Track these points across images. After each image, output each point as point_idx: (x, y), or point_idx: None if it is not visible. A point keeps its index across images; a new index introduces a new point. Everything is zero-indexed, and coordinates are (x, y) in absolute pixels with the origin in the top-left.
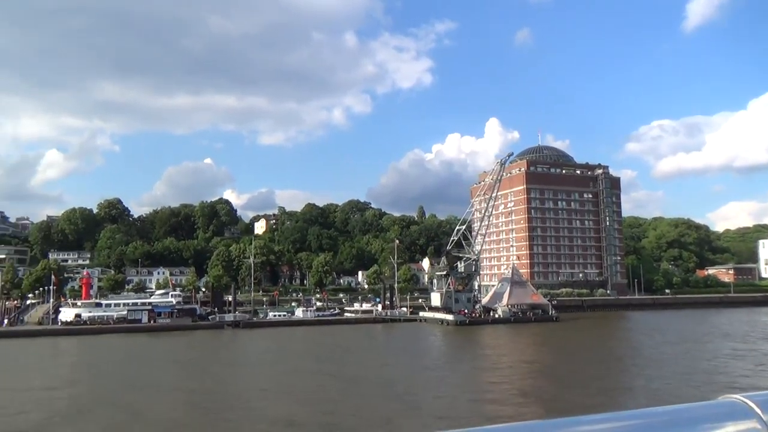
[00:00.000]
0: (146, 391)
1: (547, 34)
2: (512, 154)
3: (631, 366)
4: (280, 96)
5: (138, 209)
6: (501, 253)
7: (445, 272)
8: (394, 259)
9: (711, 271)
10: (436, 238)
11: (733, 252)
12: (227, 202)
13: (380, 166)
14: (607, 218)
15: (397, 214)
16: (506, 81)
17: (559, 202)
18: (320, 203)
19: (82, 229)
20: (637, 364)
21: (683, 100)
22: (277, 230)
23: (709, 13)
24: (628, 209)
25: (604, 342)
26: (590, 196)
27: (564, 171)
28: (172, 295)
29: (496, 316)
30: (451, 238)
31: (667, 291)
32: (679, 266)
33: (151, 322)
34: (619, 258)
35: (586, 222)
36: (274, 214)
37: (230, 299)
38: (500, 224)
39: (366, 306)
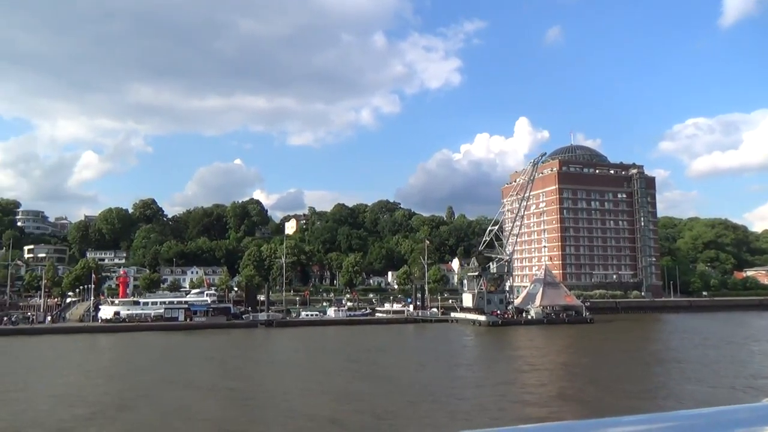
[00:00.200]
0: (187, 388)
1: (578, 31)
2: (545, 153)
3: (671, 368)
4: (309, 97)
5: (170, 209)
6: (532, 254)
7: (477, 273)
8: (424, 259)
9: (750, 272)
10: (466, 239)
11: None
12: (258, 203)
13: (408, 167)
14: (642, 219)
15: (426, 215)
16: (536, 80)
17: (593, 202)
18: (348, 203)
19: (118, 229)
20: (677, 367)
21: (719, 98)
22: (308, 230)
23: (747, 9)
24: (661, 209)
25: (642, 344)
26: (624, 196)
27: (597, 171)
28: (207, 294)
29: (529, 317)
30: (483, 239)
31: (704, 293)
32: (716, 268)
33: (188, 320)
34: (654, 259)
35: (620, 222)
36: (304, 215)
37: (263, 299)
38: (531, 224)
39: (397, 306)
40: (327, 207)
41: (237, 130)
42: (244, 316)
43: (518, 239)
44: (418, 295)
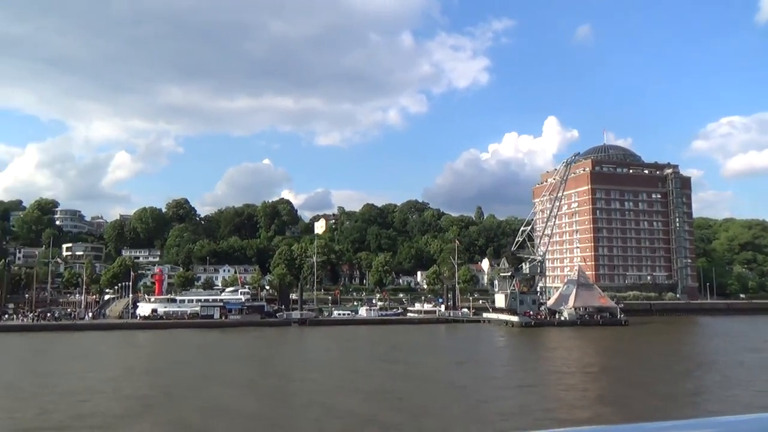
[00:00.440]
0: (227, 384)
1: (609, 29)
2: (578, 153)
3: (713, 371)
4: (336, 97)
5: (200, 208)
6: (564, 255)
7: (509, 273)
8: (454, 259)
9: None
10: (495, 239)
11: None
12: (288, 202)
13: (435, 166)
14: (677, 219)
15: (455, 215)
16: (566, 78)
17: (626, 203)
18: (375, 203)
19: (152, 228)
20: (719, 370)
21: (755, 96)
22: (337, 230)
23: None
24: (695, 209)
25: (681, 347)
26: (659, 196)
27: (631, 171)
28: (241, 293)
29: (562, 318)
30: (516, 239)
31: (741, 296)
32: (753, 270)
33: (223, 318)
34: (689, 261)
35: (654, 223)
36: (333, 214)
37: (295, 297)
38: (563, 225)
39: (428, 306)
40: (354, 206)
41: (265, 131)
42: (277, 315)
43: (550, 239)
44: (450, 295)
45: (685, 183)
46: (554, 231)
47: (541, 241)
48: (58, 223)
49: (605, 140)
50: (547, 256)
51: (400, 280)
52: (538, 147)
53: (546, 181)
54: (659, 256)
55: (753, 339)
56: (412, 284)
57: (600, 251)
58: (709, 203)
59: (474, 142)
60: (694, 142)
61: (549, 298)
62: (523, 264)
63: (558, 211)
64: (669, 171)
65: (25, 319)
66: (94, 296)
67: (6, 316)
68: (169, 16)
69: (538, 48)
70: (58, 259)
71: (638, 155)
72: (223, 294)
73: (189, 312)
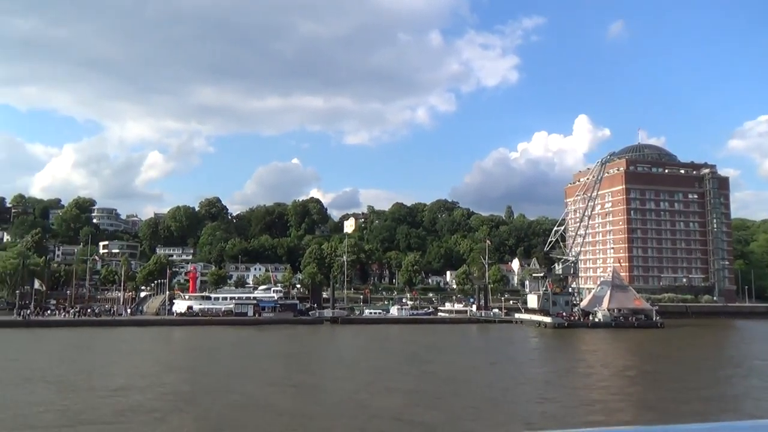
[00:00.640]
0: (262, 380)
1: (642, 26)
2: (614, 152)
3: (755, 375)
4: (365, 96)
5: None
6: (597, 255)
7: (542, 274)
8: (484, 259)
9: None
10: (526, 239)
11: None
12: (318, 201)
13: (464, 165)
14: (715, 220)
15: (485, 214)
16: (597, 76)
17: (662, 203)
18: (403, 202)
19: (186, 226)
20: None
21: None
22: (366, 229)
23: None
24: (732, 210)
25: (720, 350)
26: (695, 196)
27: (666, 170)
28: (274, 291)
29: (596, 320)
30: (549, 239)
31: None
32: None
33: (256, 315)
34: (727, 263)
35: (691, 224)
36: (362, 213)
37: (326, 296)
38: (596, 225)
39: (459, 306)
40: (382, 205)
41: (295, 130)
42: (310, 313)
43: (584, 240)
44: (481, 295)
45: (722, 183)
46: (587, 231)
47: (575, 242)
48: (95, 221)
49: (639, 139)
50: (580, 257)
51: (429, 280)
52: (569, 146)
53: (579, 181)
54: (695, 257)
55: None
56: (441, 284)
57: (634, 252)
58: (745, 203)
59: (503, 141)
60: (730, 141)
61: (582, 300)
62: (556, 264)
63: (592, 211)
64: (706, 171)
65: (66, 315)
66: (131, 293)
67: (48, 311)
68: (203, 18)
69: (569, 46)
70: (96, 257)
71: (674, 155)
72: (256, 292)
73: (223, 309)
